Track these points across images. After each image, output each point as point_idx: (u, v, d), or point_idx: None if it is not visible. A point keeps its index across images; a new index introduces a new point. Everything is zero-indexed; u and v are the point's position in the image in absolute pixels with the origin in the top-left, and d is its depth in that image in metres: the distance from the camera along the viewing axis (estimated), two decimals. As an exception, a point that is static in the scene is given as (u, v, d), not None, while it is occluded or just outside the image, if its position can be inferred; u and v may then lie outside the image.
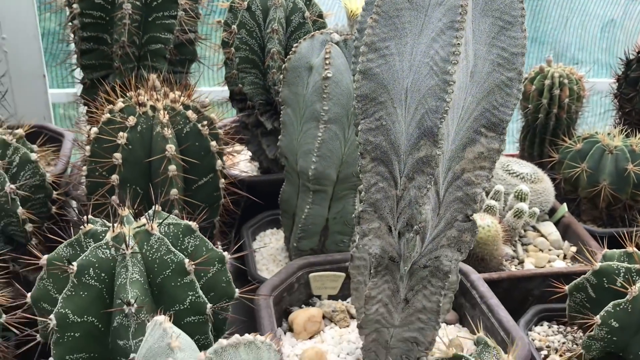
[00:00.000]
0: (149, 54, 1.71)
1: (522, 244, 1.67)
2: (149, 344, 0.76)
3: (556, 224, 1.76)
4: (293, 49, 1.45)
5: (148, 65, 1.72)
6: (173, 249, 1.07)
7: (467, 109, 1.00)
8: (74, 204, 1.79)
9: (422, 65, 0.95)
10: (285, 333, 1.31)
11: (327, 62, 1.38)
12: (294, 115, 1.48)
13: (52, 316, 1.03)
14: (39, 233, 1.47)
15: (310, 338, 1.29)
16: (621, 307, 1.13)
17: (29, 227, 1.43)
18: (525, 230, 1.71)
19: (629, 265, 1.19)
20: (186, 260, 1.06)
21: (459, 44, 0.91)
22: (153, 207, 1.16)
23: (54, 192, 1.53)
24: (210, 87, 2.44)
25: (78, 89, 2.49)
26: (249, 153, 2.02)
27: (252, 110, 1.85)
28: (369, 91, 0.99)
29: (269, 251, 1.71)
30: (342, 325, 1.33)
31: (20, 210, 1.40)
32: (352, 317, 1.36)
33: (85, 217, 1.13)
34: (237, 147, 1.90)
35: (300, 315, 1.30)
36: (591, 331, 1.16)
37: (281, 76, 1.59)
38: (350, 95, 1.41)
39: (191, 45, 1.79)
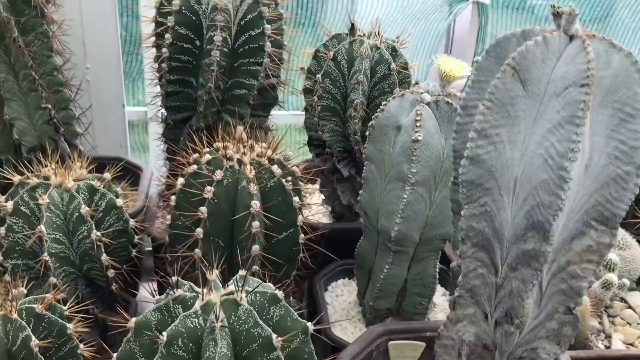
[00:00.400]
0: (233, 98, 1.72)
1: (609, 316, 1.59)
2: None
3: (645, 293, 1.67)
4: (381, 107, 1.42)
5: (231, 110, 1.73)
6: (260, 322, 1.05)
7: (578, 201, 0.95)
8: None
9: (535, 157, 0.91)
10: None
11: (418, 124, 1.35)
12: (378, 172, 1.46)
13: (139, 387, 1.03)
14: (119, 278, 1.48)
15: (389, 412, 1.26)
16: None
17: (111, 272, 1.45)
18: (611, 301, 1.62)
19: None
20: (274, 336, 1.04)
21: (579, 140, 0.86)
22: (240, 271, 1.15)
23: (136, 237, 1.54)
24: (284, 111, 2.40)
25: (149, 109, 2.54)
26: (321, 196, 2.00)
27: (330, 157, 1.84)
28: (475, 177, 0.96)
29: (342, 305, 1.68)
30: (423, 400, 1.29)
31: (104, 257, 1.41)
32: (431, 390, 1.32)
33: (174, 280, 1.13)
34: (309, 186, 1.89)
35: (380, 387, 1.27)
36: None
37: (363, 127, 1.57)
38: (439, 158, 1.37)
39: (273, 90, 1.79)
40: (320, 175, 1.91)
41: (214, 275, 1.14)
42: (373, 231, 1.52)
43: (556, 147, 0.88)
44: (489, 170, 0.94)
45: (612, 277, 1.54)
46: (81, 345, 1.19)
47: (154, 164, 2.74)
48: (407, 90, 1.42)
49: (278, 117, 1.97)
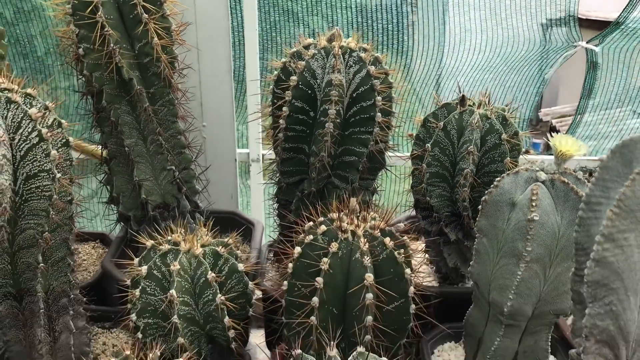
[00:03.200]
0: (343, 164, 1.79)
1: None
2: None
3: None
4: (495, 183, 1.44)
5: (340, 175, 1.80)
6: (380, 403, 1.10)
7: None
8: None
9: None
10: None
11: (534, 203, 1.36)
12: (490, 246, 1.47)
13: None
14: (238, 340, 1.58)
15: None
16: None
17: (231, 333, 1.54)
18: None
19: None
20: (394, 418, 1.09)
21: None
22: (358, 348, 1.21)
23: (253, 298, 1.63)
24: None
25: (250, 149, 2.67)
26: (426, 255, 2.02)
27: (437, 221, 1.86)
28: (601, 277, 0.96)
29: (449, 371, 1.69)
30: None
31: (226, 319, 1.51)
32: None
33: (297, 352, 1.20)
34: (414, 243, 1.93)
35: None
36: None
37: (471, 193, 1.59)
38: (554, 236, 1.37)
39: (380, 154, 1.85)
40: (425, 235, 1.94)
41: (334, 351, 1.20)
42: (484, 302, 1.53)
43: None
44: (616, 272, 0.95)
45: None
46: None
47: (255, 206, 2.89)
48: (522, 167, 1.43)
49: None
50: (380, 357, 1.19)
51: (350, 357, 1.19)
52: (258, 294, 1.94)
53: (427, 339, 1.76)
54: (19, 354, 1.56)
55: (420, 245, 2.06)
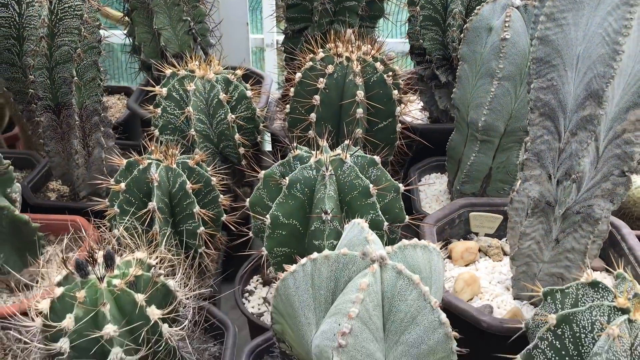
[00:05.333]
0: (344, 9, 1.95)
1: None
2: (349, 237, 1.01)
3: None
4: (475, 11, 1.60)
5: (342, 20, 1.96)
6: (361, 175, 1.32)
7: (634, 75, 1.11)
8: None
9: (595, 36, 1.08)
10: (444, 260, 1.53)
11: (507, 24, 1.52)
12: (470, 70, 1.65)
13: (267, 216, 1.33)
14: (247, 157, 1.80)
15: (465, 266, 1.50)
16: None
17: (242, 150, 1.77)
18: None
19: None
20: (371, 185, 1.31)
21: (631, 18, 1.02)
22: (346, 141, 1.42)
23: (261, 124, 1.85)
24: (392, 39, 2.63)
25: (265, 35, 2.83)
26: (421, 103, 2.21)
27: (429, 64, 2.03)
28: (544, 55, 1.14)
29: (433, 192, 1.91)
30: (496, 259, 1.51)
31: (237, 135, 1.73)
32: (505, 254, 1.54)
33: (294, 144, 1.42)
34: (411, 97, 2.11)
35: (459, 246, 1.51)
36: None
37: (461, 35, 1.75)
38: (525, 56, 1.54)
39: (380, 2, 2.00)
40: (419, 83, 2.12)
41: (324, 142, 1.42)
42: (464, 124, 1.73)
43: (612, 25, 1.05)
44: (556, 49, 1.13)
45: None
46: (222, 195, 1.52)
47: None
48: (500, -5, 1.58)
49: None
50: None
51: (339, 147, 1.40)
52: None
53: (415, 168, 1.97)
54: (59, 165, 1.81)
55: (415, 98, 2.25)
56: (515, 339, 1.13)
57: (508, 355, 1.04)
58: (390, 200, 1.38)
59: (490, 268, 1.49)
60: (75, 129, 1.71)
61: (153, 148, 1.50)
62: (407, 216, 1.40)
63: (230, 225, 1.54)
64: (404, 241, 0.98)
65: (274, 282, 1.06)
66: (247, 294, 1.66)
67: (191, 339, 1.19)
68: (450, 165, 1.83)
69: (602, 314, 0.94)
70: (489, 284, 1.43)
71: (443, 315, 0.92)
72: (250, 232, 1.48)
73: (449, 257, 1.53)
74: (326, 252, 0.96)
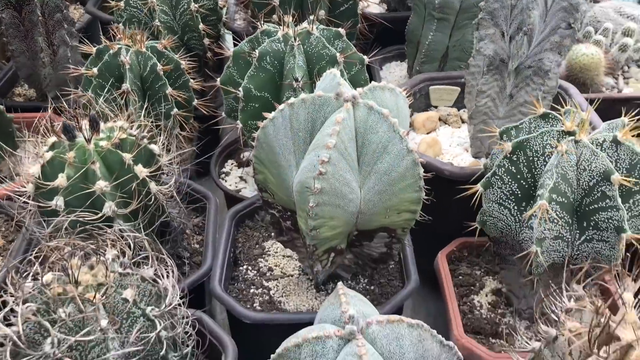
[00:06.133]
0: None
1: (624, 78, 1.84)
2: (322, 86, 1.08)
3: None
4: None
5: None
6: (328, 45, 1.38)
7: None
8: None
9: None
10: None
11: None
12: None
13: (240, 89, 1.39)
14: (212, 49, 1.84)
15: (427, 133, 1.60)
16: None
17: (206, 41, 1.80)
18: (628, 67, 1.86)
19: None
20: (338, 54, 1.38)
21: None
22: (311, 16, 1.47)
23: (223, 16, 1.87)
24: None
25: None
26: (379, -4, 2.26)
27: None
28: None
29: (394, 78, 1.99)
30: (455, 126, 1.62)
31: (201, 26, 1.76)
32: (463, 121, 1.64)
33: (261, 22, 1.46)
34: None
35: (421, 116, 1.60)
36: None
37: None
38: None
39: None
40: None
41: (290, 18, 1.46)
42: (421, 6, 1.79)
43: None
44: None
45: (629, 40, 1.77)
46: (191, 80, 1.57)
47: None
48: None
49: None
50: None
51: (306, 20, 1.45)
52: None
53: (378, 57, 2.04)
54: (24, 65, 1.81)
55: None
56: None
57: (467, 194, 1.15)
58: (356, 73, 1.45)
59: (449, 134, 1.59)
60: (38, 25, 1.71)
61: (121, 35, 1.52)
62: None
63: (202, 110, 1.59)
64: (374, 83, 1.05)
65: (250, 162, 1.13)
66: (223, 175, 1.73)
67: (176, 203, 1.26)
68: (410, 49, 1.91)
69: (552, 137, 1.05)
70: (449, 147, 1.54)
71: (411, 144, 1.01)
72: (223, 112, 1.55)
73: (411, 127, 1.62)
74: (303, 95, 1.03)
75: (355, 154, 1.02)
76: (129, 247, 0.97)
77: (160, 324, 0.90)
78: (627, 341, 0.78)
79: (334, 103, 1.01)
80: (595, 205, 1.01)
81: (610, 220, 1.00)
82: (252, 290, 1.25)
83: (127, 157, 1.11)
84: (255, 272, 1.30)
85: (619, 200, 0.98)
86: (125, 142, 1.14)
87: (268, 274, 1.29)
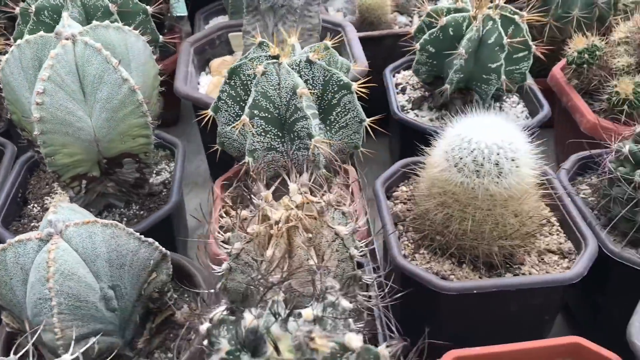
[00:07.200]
0: None
1: (420, 16, 1.99)
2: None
3: None
4: None
5: None
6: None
7: None
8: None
9: None
10: (207, 74, 1.76)
11: None
12: None
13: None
14: None
15: (223, 76, 1.73)
16: (434, 35, 1.49)
17: None
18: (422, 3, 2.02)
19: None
20: (110, 5, 1.49)
21: None
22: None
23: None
24: None
25: None
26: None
27: None
28: None
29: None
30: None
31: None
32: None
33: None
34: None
35: (216, 61, 1.74)
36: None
37: None
38: None
39: None
40: None
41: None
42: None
43: None
44: None
45: (417, -18, 1.92)
46: None
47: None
48: None
49: None
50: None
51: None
52: None
53: (200, 12, 2.15)
54: None
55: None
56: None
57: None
58: (140, 22, 1.56)
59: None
60: None
61: None
62: (161, 36, 1.60)
63: None
64: (96, 22, 1.18)
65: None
66: None
67: None
68: (225, 2, 2.02)
69: (260, 62, 1.19)
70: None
71: (125, 74, 1.14)
72: None
73: (209, 70, 1.76)
74: (27, 36, 1.15)
75: (78, 85, 1.14)
76: None
77: None
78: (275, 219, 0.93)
79: (55, 42, 1.13)
80: (294, 117, 1.16)
81: (303, 129, 1.15)
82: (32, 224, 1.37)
83: None
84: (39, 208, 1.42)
85: (307, 111, 1.13)
86: None
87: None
